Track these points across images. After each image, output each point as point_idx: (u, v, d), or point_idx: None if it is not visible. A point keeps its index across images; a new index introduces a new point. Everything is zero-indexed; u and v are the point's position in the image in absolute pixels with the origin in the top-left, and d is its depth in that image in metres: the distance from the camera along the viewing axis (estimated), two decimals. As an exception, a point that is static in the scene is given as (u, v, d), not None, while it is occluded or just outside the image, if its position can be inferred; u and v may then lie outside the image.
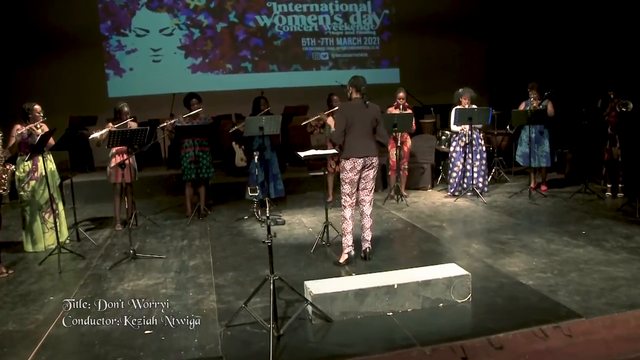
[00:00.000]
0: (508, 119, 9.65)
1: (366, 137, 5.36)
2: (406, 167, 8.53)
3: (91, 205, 8.75)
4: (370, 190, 5.48)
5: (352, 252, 5.45)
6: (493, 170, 9.59)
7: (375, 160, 5.40)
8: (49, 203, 6.23)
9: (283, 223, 3.78)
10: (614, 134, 7.85)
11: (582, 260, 5.25)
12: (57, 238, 6.01)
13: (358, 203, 5.51)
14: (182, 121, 7.51)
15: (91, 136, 6.87)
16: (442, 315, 4.20)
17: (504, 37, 13.01)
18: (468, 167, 8.38)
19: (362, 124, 5.34)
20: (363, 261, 5.48)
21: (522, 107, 8.37)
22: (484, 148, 8.54)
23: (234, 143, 10.13)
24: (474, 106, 8.30)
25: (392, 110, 8.34)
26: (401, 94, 8.28)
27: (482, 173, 8.48)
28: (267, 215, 3.82)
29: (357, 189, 5.43)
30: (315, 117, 8.22)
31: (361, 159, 5.30)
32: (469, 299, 4.38)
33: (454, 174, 8.53)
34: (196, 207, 7.70)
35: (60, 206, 6.58)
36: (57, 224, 6.13)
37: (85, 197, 8.72)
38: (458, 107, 8.23)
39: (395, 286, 4.18)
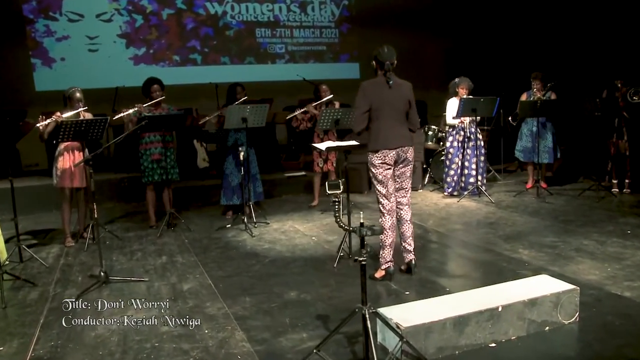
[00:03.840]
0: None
1: (398, 124, 4.33)
2: (400, 164, 7.57)
3: (25, 216, 7.10)
4: (408, 191, 4.44)
5: (392, 268, 4.40)
6: (484, 168, 8.85)
7: (410, 152, 4.36)
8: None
9: (380, 232, 2.67)
10: (622, 126, 7.32)
11: (660, 264, 4.50)
12: (-3, 260, 4.53)
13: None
14: (143, 111, 6.20)
15: (37, 124, 5.42)
16: (557, 342, 3.22)
17: (470, 30, 12.42)
18: (467, 164, 7.61)
19: (392, 107, 4.29)
20: (406, 275, 4.46)
21: (524, 98, 7.67)
22: (482, 143, 7.76)
23: (195, 141, 8.79)
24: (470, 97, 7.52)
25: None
26: None
27: (481, 170, 7.70)
28: (362, 222, 2.69)
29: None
30: (302, 110, 7.14)
31: (394, 151, 4.26)
32: (576, 318, 3.45)
33: (452, 172, 7.71)
34: (167, 216, 6.35)
35: (-5, 218, 5.09)
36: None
37: (18, 207, 7.09)
38: (461, 97, 7.38)
39: (500, 309, 3.17)
